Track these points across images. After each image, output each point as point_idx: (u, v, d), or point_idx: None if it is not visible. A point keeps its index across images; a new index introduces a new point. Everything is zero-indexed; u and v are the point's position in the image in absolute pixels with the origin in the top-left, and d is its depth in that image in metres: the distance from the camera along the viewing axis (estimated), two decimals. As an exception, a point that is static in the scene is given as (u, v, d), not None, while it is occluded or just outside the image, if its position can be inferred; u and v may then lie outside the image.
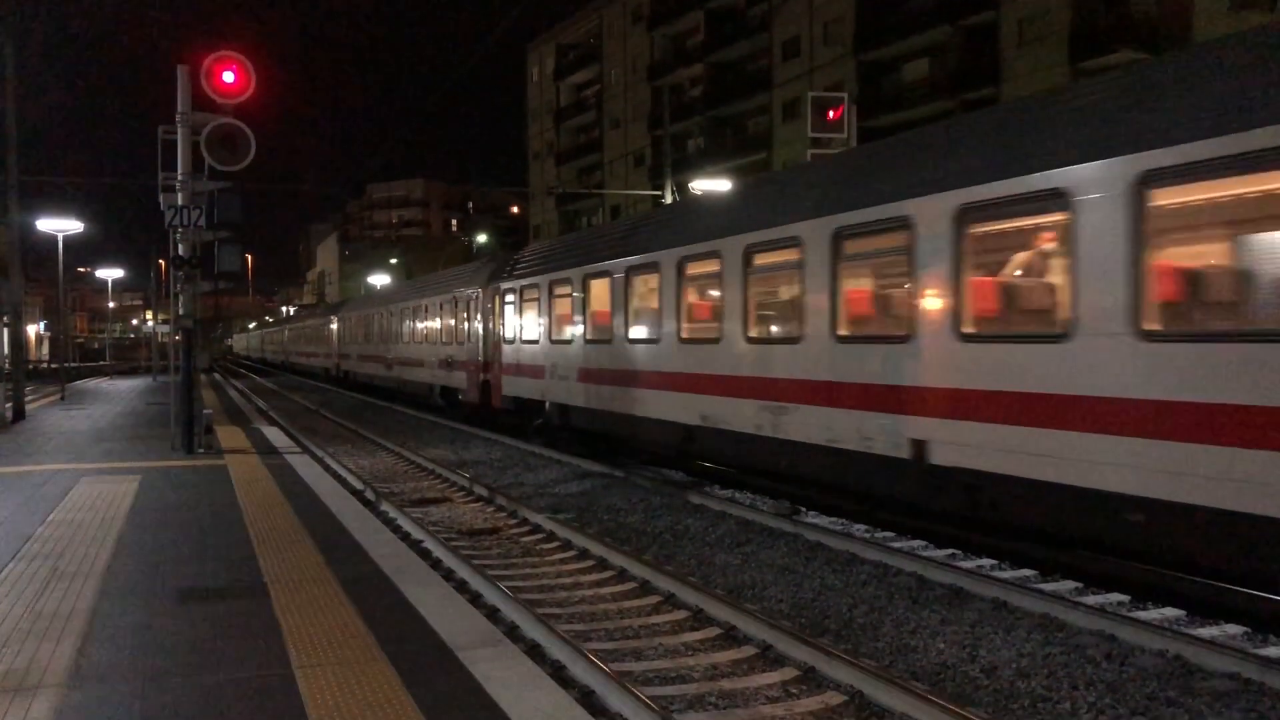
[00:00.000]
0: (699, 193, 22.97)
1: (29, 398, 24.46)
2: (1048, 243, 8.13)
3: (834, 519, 11.36)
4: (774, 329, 11.55)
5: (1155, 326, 6.82)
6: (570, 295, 16.38)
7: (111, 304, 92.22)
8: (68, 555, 7.95)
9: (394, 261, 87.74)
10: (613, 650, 6.84)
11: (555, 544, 10.48)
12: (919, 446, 8.76)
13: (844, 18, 45.40)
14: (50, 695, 4.83)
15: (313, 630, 5.87)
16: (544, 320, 17.61)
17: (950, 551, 9.66)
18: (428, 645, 5.58)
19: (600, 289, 15.34)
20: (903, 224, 8.98)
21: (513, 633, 7.06)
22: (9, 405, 21.33)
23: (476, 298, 21.99)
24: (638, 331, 14.10)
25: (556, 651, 6.57)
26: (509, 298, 19.76)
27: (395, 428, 23.61)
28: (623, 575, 9.01)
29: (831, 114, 23.27)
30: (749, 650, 6.80)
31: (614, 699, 5.69)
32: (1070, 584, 8.39)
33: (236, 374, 65.35)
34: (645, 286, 14.09)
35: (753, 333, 11.41)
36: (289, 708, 4.66)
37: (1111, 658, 6.45)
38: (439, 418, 25.38)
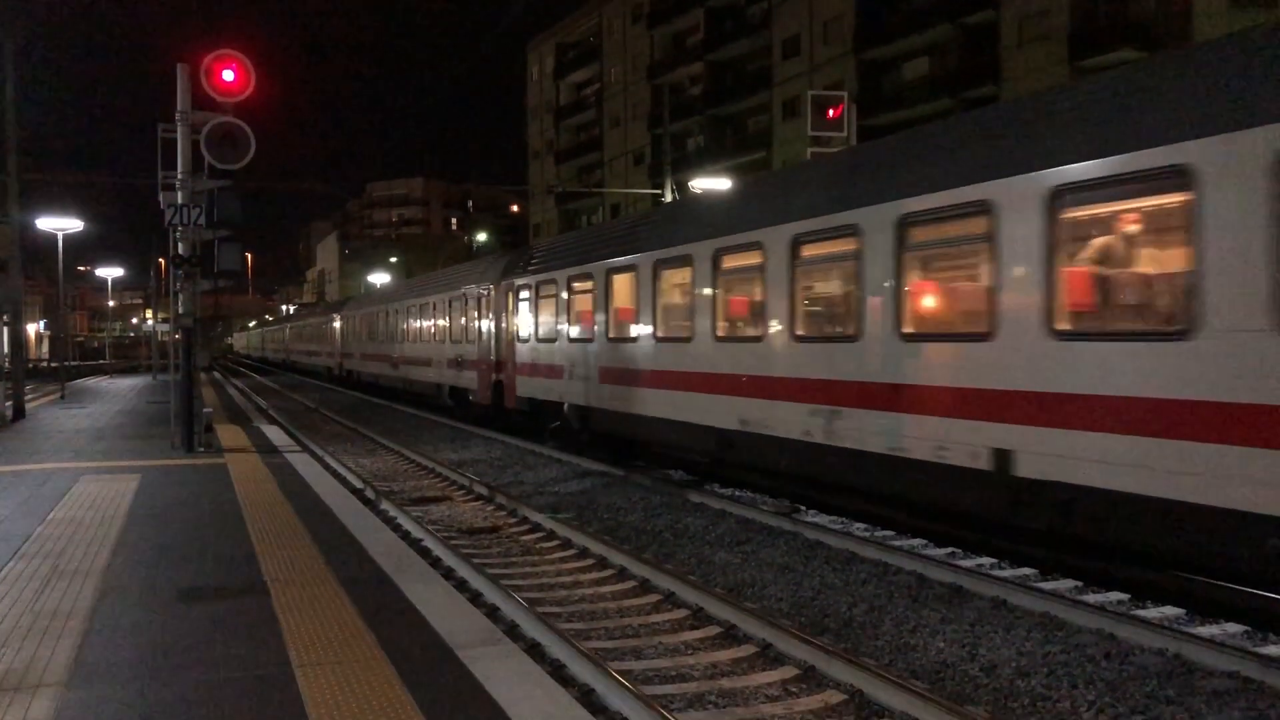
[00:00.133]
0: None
1: (29, 396, 24.44)
2: (1162, 226, 7.26)
3: (833, 517, 11.35)
4: (825, 326, 10.78)
5: None
6: (592, 291, 15.65)
7: (111, 303, 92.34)
8: (67, 554, 7.94)
9: (394, 260, 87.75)
10: (612, 649, 6.84)
11: (555, 542, 10.48)
12: (1002, 457, 7.97)
13: (844, 16, 45.38)
14: (50, 694, 4.83)
15: (312, 629, 5.87)
16: (563, 317, 16.87)
17: (950, 550, 9.65)
18: (427, 644, 5.58)
19: (625, 284, 14.63)
20: (982, 209, 8.18)
21: (512, 631, 7.06)
22: (9, 404, 21.32)
23: (489, 294, 21.31)
24: (667, 329, 13.43)
25: (556, 650, 6.57)
26: (524, 294, 18.98)
27: (395, 426, 23.60)
28: (623, 574, 9.01)
29: (831, 112, 23.32)
30: (749, 649, 6.80)
31: (614, 698, 5.69)
32: (1070, 583, 8.38)
33: (237, 373, 65.36)
34: (675, 281, 13.39)
35: (800, 330, 10.66)
36: (289, 706, 4.66)
37: (1111, 656, 6.45)
38: (439, 416, 25.36)
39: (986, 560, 9.23)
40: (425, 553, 9.63)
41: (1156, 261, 7.43)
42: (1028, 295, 7.75)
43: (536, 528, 11.24)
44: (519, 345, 19.19)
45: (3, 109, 20.88)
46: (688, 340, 12.76)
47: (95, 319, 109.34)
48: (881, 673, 5.91)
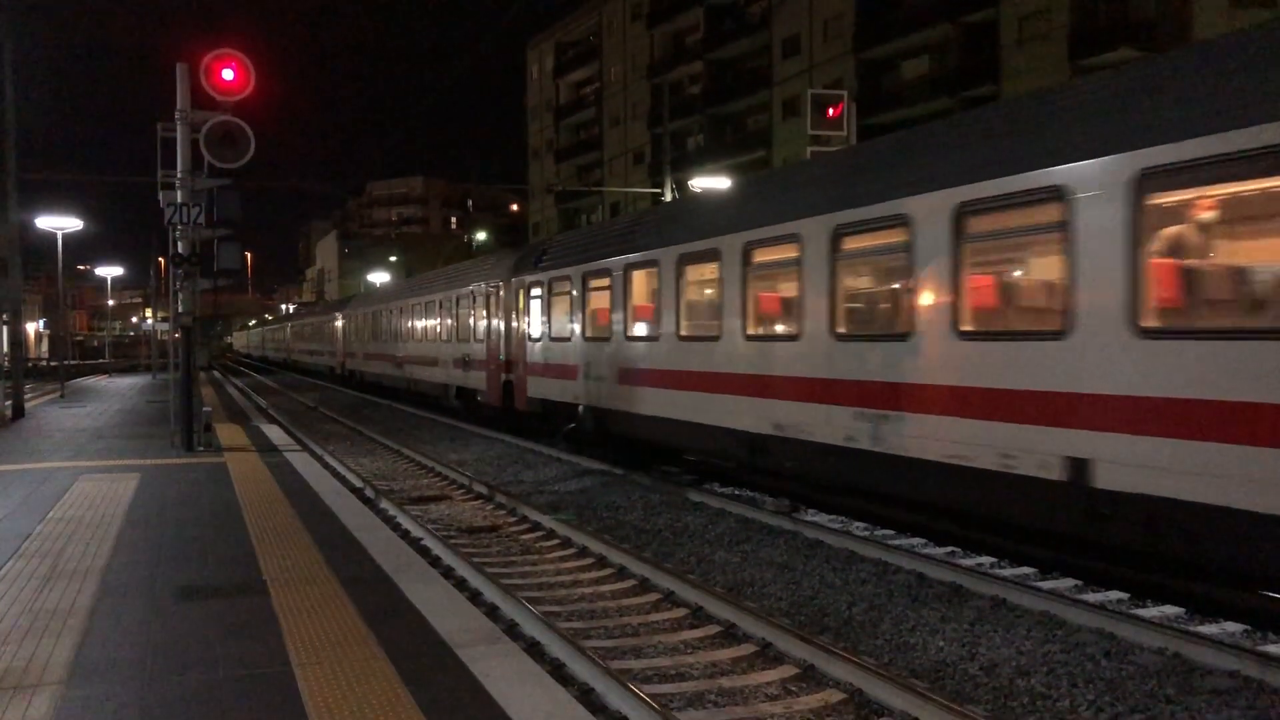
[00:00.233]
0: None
1: (28, 395, 24.46)
2: (1265, 215, 6.71)
3: (833, 517, 11.36)
4: (871, 324, 10.13)
5: None
6: (609, 288, 14.92)
7: (111, 301, 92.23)
8: (67, 553, 7.94)
9: (393, 259, 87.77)
10: (612, 648, 6.84)
11: (555, 541, 10.48)
12: (1078, 466, 7.35)
13: (844, 15, 45.41)
14: (50, 693, 4.83)
15: (312, 628, 5.87)
16: (578, 315, 16.09)
17: (950, 549, 9.66)
18: (427, 643, 5.58)
19: (644, 280, 13.98)
20: (1055, 195, 7.49)
21: (512, 630, 7.06)
22: (8, 403, 21.32)
23: (498, 292, 20.72)
24: (691, 328, 12.78)
25: (556, 649, 6.57)
26: (535, 291, 18.19)
27: (395, 425, 23.60)
28: (622, 573, 9.01)
29: (831, 111, 23.28)
30: (748, 648, 6.80)
31: (613, 696, 5.69)
32: (1070, 582, 8.38)
33: (236, 372, 65.36)
34: (701, 277, 12.78)
35: (841, 328, 9.99)
36: (288, 705, 4.66)
37: (1111, 655, 6.45)
38: (439, 415, 25.36)
39: (986, 559, 9.24)
40: (425, 552, 9.64)
41: (1258, 254, 6.82)
42: (1108, 290, 7.08)
43: (536, 526, 11.24)
44: (530, 344, 18.49)
45: (3, 109, 20.86)
46: (715, 339, 12.11)
47: (95, 318, 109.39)
48: (881, 672, 5.91)
